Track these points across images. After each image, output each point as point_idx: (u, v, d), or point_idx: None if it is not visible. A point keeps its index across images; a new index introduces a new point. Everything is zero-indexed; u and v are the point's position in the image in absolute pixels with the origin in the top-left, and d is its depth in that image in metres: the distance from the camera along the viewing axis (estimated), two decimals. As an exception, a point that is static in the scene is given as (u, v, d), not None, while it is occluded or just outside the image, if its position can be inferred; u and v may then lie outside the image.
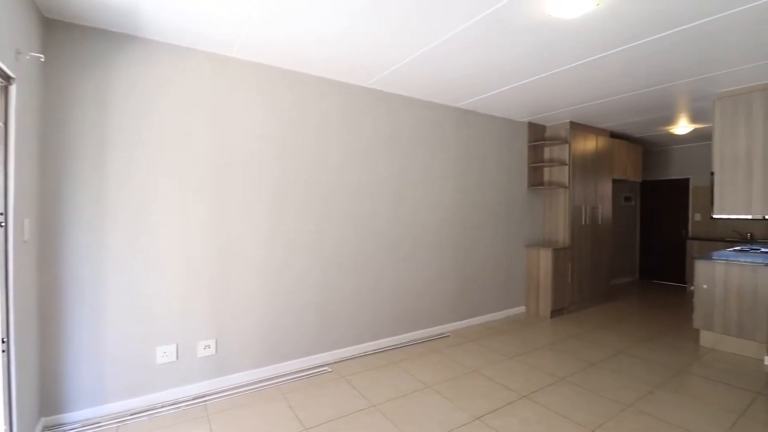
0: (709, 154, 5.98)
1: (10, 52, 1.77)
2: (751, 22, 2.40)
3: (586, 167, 5.16)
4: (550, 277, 4.70)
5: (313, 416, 2.51)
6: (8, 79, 1.80)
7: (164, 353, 2.67)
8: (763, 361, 3.38)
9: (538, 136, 5.13)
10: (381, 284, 3.72)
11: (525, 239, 5.04)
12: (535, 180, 5.14)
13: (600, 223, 5.41)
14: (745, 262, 3.53)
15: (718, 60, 3.00)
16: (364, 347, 3.61)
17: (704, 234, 6.43)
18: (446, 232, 4.21)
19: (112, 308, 2.52)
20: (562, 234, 5.02)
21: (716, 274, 3.70)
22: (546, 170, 5.20)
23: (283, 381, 3.00)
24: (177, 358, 2.73)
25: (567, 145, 4.90)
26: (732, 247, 4.66)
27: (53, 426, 2.35)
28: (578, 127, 5.06)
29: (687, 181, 6.73)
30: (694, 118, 4.85)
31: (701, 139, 6.11)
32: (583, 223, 5.14)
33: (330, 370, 3.22)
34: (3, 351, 1.82)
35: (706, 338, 3.79)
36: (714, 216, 3.81)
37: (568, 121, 4.92)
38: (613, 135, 5.84)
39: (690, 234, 6.63)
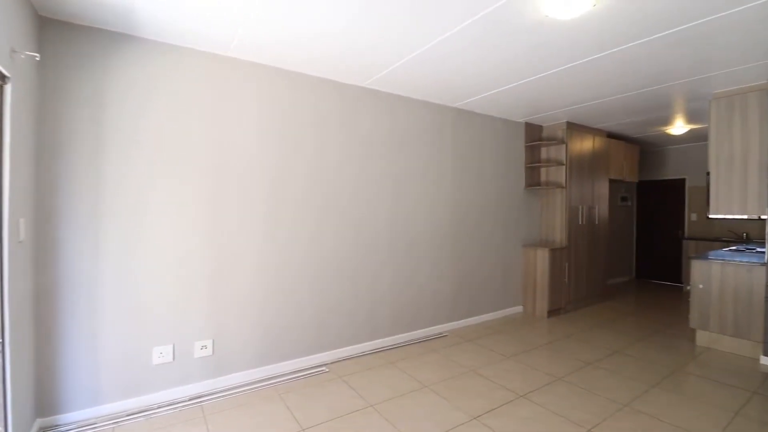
0: (705, 155, 6.01)
1: (4, 50, 1.76)
2: (747, 23, 2.41)
3: (583, 167, 5.17)
4: (547, 277, 4.72)
5: (311, 416, 2.51)
6: (3, 78, 1.79)
7: (160, 354, 2.67)
8: (758, 360, 3.40)
9: (535, 136, 5.15)
10: (378, 284, 3.71)
11: (522, 239, 5.05)
12: (533, 180, 5.15)
13: (597, 223, 5.43)
14: (740, 261, 3.55)
15: (714, 61, 3.01)
16: (361, 347, 3.61)
17: (700, 234, 6.46)
18: (444, 233, 4.21)
19: (108, 308, 2.50)
20: (559, 234, 5.04)
21: (712, 274, 3.72)
22: (543, 170, 5.22)
23: (280, 381, 3.00)
24: (173, 358, 2.72)
25: (564, 145, 4.91)
26: (728, 247, 4.69)
27: (49, 427, 2.34)
28: (575, 128, 5.07)
29: (683, 181, 6.76)
30: (690, 119, 4.88)
31: (697, 139, 6.14)
32: (580, 223, 5.15)
33: (327, 370, 3.22)
34: (-2, 352, 1.81)
35: (702, 337, 3.80)
36: (710, 216, 3.83)
37: (565, 121, 4.93)
38: (610, 135, 5.86)
39: (686, 234, 6.66)
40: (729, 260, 3.62)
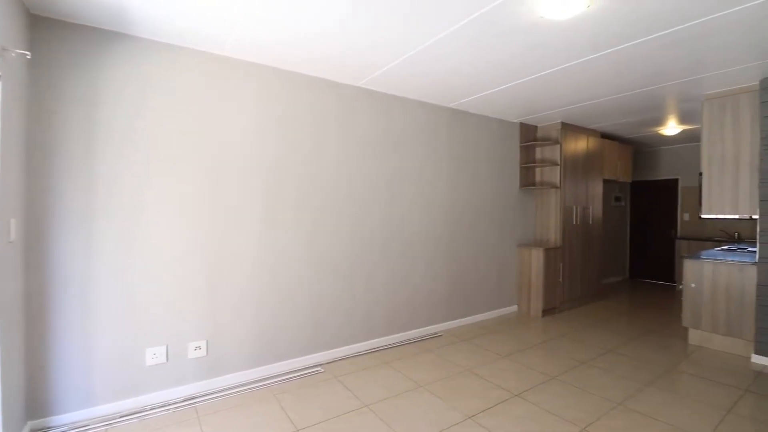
0: (697, 155, 6.07)
1: (-5, 48, 1.74)
2: (741, 24, 2.43)
3: (577, 168, 5.20)
4: (542, 277, 4.74)
5: (305, 417, 2.50)
6: (-7, 76, 1.77)
7: (154, 355, 2.64)
8: (749, 358, 3.44)
9: (529, 136, 5.17)
10: (374, 284, 3.71)
11: (517, 239, 5.07)
12: (527, 180, 5.17)
13: (591, 223, 5.47)
14: (732, 261, 3.58)
15: (708, 62, 3.04)
16: (356, 347, 3.60)
17: (693, 233, 6.53)
18: (439, 233, 4.22)
19: (101, 309, 2.48)
20: (553, 234, 5.06)
21: (704, 273, 3.75)
22: (538, 170, 5.24)
23: (275, 382, 2.99)
24: (167, 359, 2.70)
25: (558, 145, 4.94)
26: (720, 247, 4.74)
27: (40, 429, 2.31)
28: (569, 128, 5.10)
29: (676, 181, 6.82)
30: (682, 120, 4.92)
31: (690, 140, 6.20)
32: (575, 223, 5.18)
33: (323, 370, 3.21)
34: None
35: (695, 336, 3.84)
36: (702, 216, 3.87)
37: (560, 121, 4.96)
38: (604, 136, 5.90)
39: (679, 234, 6.72)
40: (721, 260, 3.66)
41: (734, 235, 5.98)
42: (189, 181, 2.76)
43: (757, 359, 3.36)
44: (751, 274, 3.42)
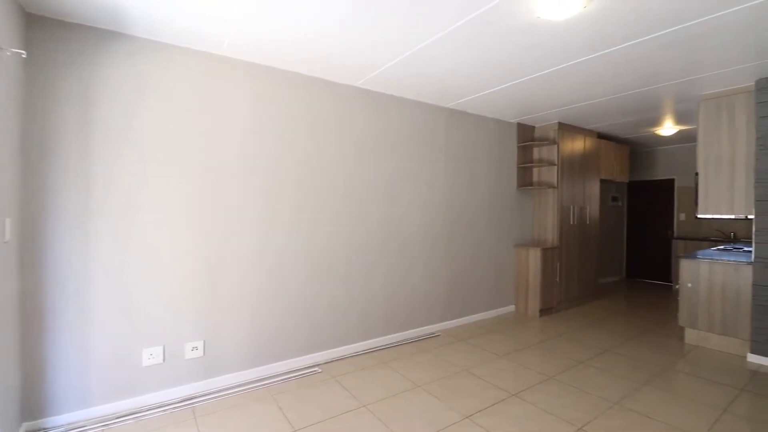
0: (693, 156, 6.10)
1: (-10, 47, 1.73)
2: (738, 25, 2.44)
3: (574, 168, 5.22)
4: (539, 277, 4.75)
5: (303, 417, 2.50)
6: (-12, 75, 1.76)
7: (150, 355, 2.63)
8: (745, 357, 3.46)
9: (527, 136, 5.18)
10: (371, 284, 3.71)
11: (514, 239, 5.08)
12: (525, 180, 5.18)
13: (588, 223, 5.48)
14: (728, 260, 3.60)
15: (705, 62, 3.05)
16: (354, 347, 3.60)
17: (689, 233, 6.56)
18: (436, 232, 4.22)
19: (97, 309, 2.47)
20: (550, 234, 5.07)
21: (701, 273, 3.77)
22: (535, 170, 5.25)
23: (272, 382, 2.98)
24: (164, 360, 2.69)
25: (555, 145, 4.95)
26: (716, 246, 4.76)
27: (36, 430, 2.30)
28: (566, 128, 5.11)
29: (672, 181, 6.85)
30: (679, 120, 4.95)
31: (686, 140, 6.23)
32: (572, 222, 5.19)
33: (320, 370, 3.21)
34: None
35: (691, 336, 3.86)
36: (698, 216, 3.89)
37: (557, 122, 4.97)
38: (601, 136, 5.92)
39: (675, 233, 6.75)
40: (717, 259, 3.68)
41: (730, 235, 6.02)
42: (186, 181, 2.75)
43: (752, 358, 3.38)
44: (747, 274, 3.44)
